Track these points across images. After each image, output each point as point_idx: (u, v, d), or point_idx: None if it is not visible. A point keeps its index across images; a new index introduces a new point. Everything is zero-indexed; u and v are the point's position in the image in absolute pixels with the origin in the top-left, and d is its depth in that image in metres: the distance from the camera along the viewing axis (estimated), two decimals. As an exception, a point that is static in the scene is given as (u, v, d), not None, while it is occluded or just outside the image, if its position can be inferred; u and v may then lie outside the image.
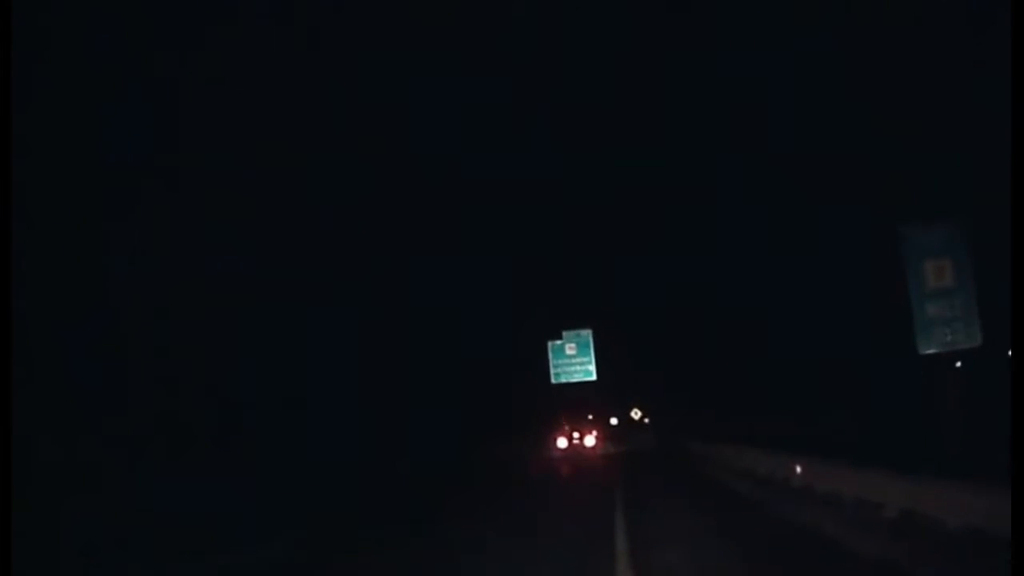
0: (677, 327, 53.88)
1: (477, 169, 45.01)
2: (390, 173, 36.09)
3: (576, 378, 50.11)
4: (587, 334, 50.41)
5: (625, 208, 51.55)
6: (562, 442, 54.52)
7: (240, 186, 25.80)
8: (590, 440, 55.90)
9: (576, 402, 56.96)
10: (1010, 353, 14.56)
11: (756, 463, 17.63)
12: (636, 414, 62.04)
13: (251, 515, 17.00)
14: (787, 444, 18.79)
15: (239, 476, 21.82)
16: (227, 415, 24.26)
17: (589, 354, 50.02)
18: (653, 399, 61.15)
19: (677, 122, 41.98)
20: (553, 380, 50.03)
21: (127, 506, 16.53)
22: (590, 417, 60.93)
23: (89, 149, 20.57)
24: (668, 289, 54.53)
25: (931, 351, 14.67)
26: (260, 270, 26.88)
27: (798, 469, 13.17)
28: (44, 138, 17.98)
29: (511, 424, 50.67)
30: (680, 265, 53.38)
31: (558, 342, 50.31)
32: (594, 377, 49.96)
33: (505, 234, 52.92)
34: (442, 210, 40.96)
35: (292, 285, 28.74)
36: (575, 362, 50.15)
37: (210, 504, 17.69)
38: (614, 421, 65.85)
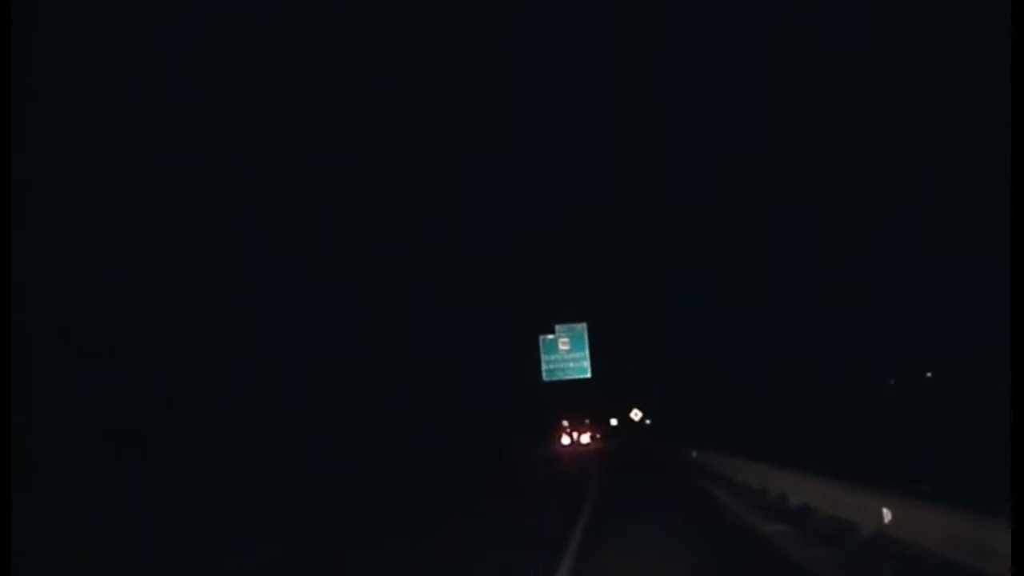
0: (682, 322, 48.99)
1: (470, 154, 42.78)
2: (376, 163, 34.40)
3: (570, 375, 45.68)
4: (582, 328, 45.63)
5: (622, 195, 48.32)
6: (565, 440, 60.07)
7: (239, 180, 25.52)
8: (585, 438, 60.92)
9: (572, 401, 56.11)
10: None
11: (789, 490, 11.15)
12: (636, 415, 56.02)
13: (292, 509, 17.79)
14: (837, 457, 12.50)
15: (253, 473, 22.44)
16: (228, 413, 24.00)
17: (584, 350, 45.24)
18: (656, 398, 56.04)
19: (681, 114, 39.64)
20: (545, 377, 45.55)
21: (127, 505, 16.18)
22: (587, 421, 64.03)
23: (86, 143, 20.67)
24: (671, 281, 49.62)
25: None
26: (259, 267, 26.95)
27: (887, 516, 6.68)
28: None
29: (522, 423, 52.19)
30: (684, 256, 48.67)
31: (550, 336, 45.47)
32: (589, 375, 45.36)
33: (498, 224, 49.63)
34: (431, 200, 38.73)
35: (294, 282, 29.02)
36: (569, 358, 45.61)
37: (218, 502, 18.10)
38: (614, 422, 63.44)
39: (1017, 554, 4.26)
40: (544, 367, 45.29)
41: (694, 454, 23.02)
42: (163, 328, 22.61)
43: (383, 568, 9.97)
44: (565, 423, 63.15)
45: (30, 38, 17.41)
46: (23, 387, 10.11)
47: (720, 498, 13.93)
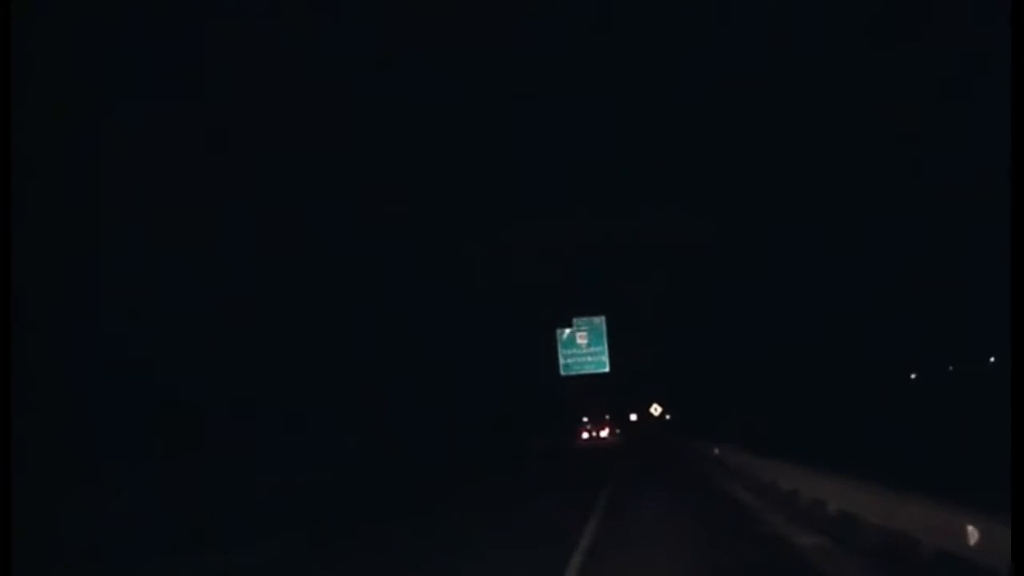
0: (704, 317, 47.19)
1: (480, 141, 41.45)
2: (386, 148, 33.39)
3: (587, 370, 43.44)
4: (600, 321, 43.61)
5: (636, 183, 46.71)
6: (585, 435, 61.39)
7: (238, 180, 24.90)
8: (604, 433, 62.73)
9: (590, 397, 55.08)
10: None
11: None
12: (656, 410, 54.15)
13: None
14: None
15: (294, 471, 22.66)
16: (236, 411, 23.66)
17: (602, 344, 43.20)
18: (676, 394, 54.21)
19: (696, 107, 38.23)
20: (562, 372, 43.46)
21: (127, 505, 15.96)
22: (606, 417, 65.09)
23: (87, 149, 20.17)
24: (691, 272, 47.71)
25: None
26: (262, 264, 26.35)
27: (973, 535, 4.99)
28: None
29: (540, 419, 52.24)
30: (704, 247, 46.80)
31: (568, 330, 43.57)
32: (607, 369, 43.25)
33: (513, 213, 48.15)
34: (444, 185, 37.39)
35: (301, 279, 28.51)
36: (587, 353, 43.53)
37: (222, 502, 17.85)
38: (633, 417, 62.36)
39: (1017, 554, 4.10)
40: (561, 362, 43.40)
41: (716, 451, 21.32)
42: (164, 328, 21.89)
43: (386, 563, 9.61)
44: (584, 420, 63.88)
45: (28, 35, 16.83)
46: (24, 388, 9.71)
47: (746, 502, 12.25)
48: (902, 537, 6.54)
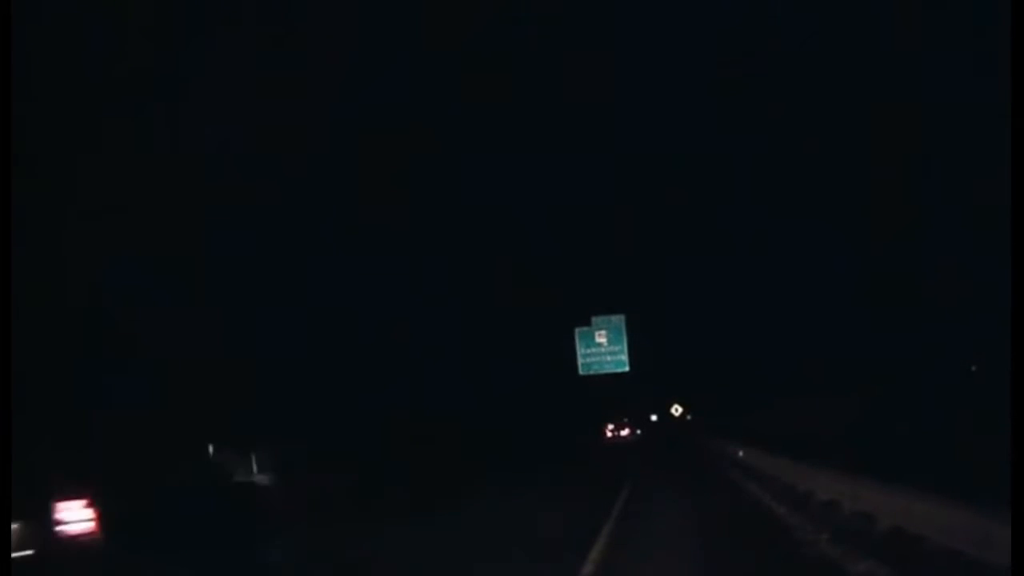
0: (724, 316, 45.90)
1: (495, 140, 40.86)
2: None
3: (607, 369, 42.36)
4: (620, 320, 42.43)
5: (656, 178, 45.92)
6: (608, 433, 65.75)
7: (241, 173, 24.75)
8: (624, 433, 67.61)
9: (610, 396, 53.13)
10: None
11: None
12: (677, 410, 52.73)
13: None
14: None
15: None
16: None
17: (622, 343, 42.06)
18: (697, 393, 52.77)
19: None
20: (581, 371, 42.49)
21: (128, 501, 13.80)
22: (625, 419, 67.57)
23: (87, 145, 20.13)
24: (709, 268, 46.58)
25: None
26: (265, 264, 26.03)
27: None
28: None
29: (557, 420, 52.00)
30: (724, 242, 45.72)
31: (586, 329, 42.43)
32: (627, 368, 42.13)
33: (529, 211, 47.42)
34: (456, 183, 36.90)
35: (311, 277, 28.39)
36: (606, 352, 42.29)
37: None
38: (654, 417, 61.31)
39: (1017, 553, 4.02)
40: (580, 361, 42.32)
41: (740, 453, 19.98)
42: (164, 326, 21.49)
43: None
44: (610, 425, 65.17)
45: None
46: (22, 388, 9.24)
47: (781, 515, 10.82)
48: (971, 560, 5.23)
